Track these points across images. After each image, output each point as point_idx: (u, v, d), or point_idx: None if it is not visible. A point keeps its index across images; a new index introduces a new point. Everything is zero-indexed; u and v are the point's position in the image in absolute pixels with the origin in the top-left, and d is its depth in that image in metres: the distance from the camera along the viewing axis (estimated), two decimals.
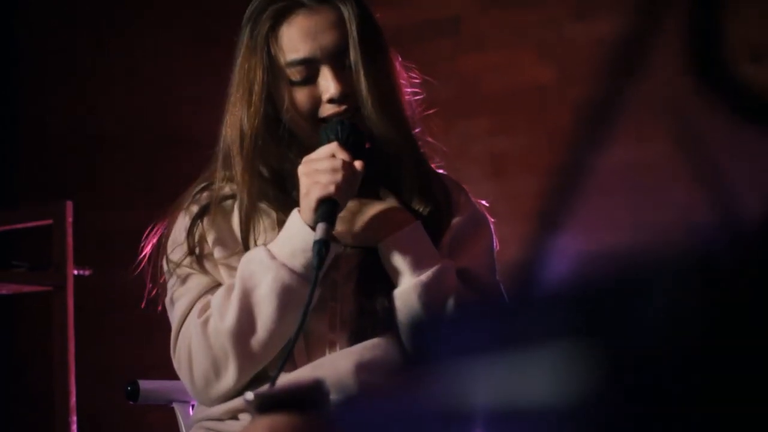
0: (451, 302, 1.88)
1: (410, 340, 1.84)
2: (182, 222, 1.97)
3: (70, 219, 3.07)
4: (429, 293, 1.86)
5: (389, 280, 1.89)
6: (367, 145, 1.91)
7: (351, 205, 1.90)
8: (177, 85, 4.59)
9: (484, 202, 2.09)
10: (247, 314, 1.85)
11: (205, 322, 1.88)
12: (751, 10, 3.81)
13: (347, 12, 1.92)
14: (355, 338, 1.88)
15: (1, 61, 4.85)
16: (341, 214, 1.87)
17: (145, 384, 2.31)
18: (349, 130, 1.87)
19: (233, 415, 1.90)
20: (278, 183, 1.94)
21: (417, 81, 2.04)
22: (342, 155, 1.83)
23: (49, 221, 3.11)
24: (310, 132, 1.92)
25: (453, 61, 4.26)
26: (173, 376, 1.98)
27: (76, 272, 3.09)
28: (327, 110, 1.91)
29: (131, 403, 2.32)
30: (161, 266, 1.98)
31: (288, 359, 1.85)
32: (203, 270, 1.93)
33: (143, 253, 2.01)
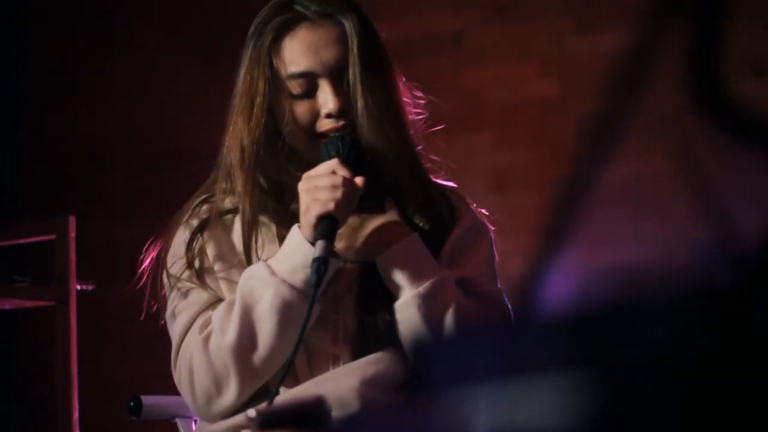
0: (450, 314, 1.88)
1: (411, 352, 1.84)
2: (182, 236, 1.97)
3: (72, 234, 3.07)
4: (428, 305, 1.86)
5: (390, 293, 1.89)
6: (367, 157, 1.91)
7: (351, 219, 1.90)
8: (180, 99, 4.59)
9: (483, 210, 2.09)
10: (248, 330, 1.84)
11: (206, 339, 1.87)
12: (753, 25, 3.81)
13: (350, 28, 1.92)
14: (358, 352, 1.88)
15: (4, 74, 4.85)
16: (341, 230, 1.87)
17: (147, 399, 2.31)
18: (350, 146, 1.87)
19: None
20: (277, 195, 1.94)
21: (422, 101, 2.04)
22: (342, 172, 1.84)
23: (52, 236, 3.11)
24: (309, 146, 1.93)
25: (455, 76, 4.26)
26: (176, 390, 1.98)
27: (78, 287, 3.09)
28: (325, 125, 1.92)
29: (134, 418, 2.31)
30: (161, 280, 1.98)
31: (291, 374, 1.85)
32: (203, 285, 1.93)
33: (143, 267, 2.01)
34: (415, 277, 1.87)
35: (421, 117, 2.03)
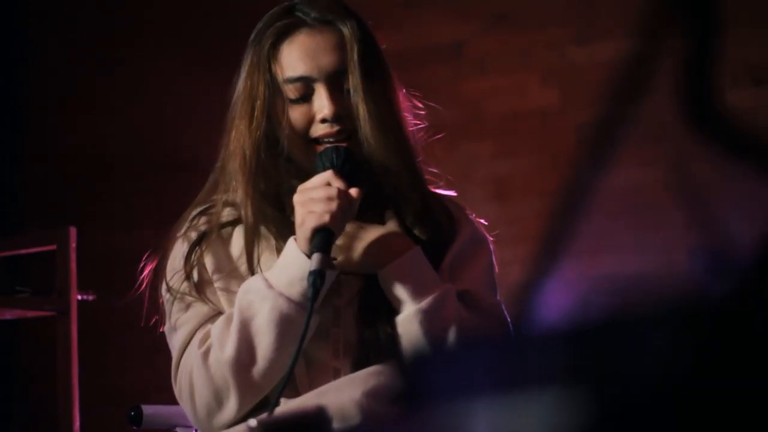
0: (452, 328, 1.88)
1: (412, 366, 1.83)
2: (180, 249, 1.96)
3: (73, 245, 3.07)
4: (430, 320, 1.86)
5: (391, 306, 1.89)
6: (365, 166, 1.91)
7: (351, 230, 1.89)
8: (180, 109, 4.59)
9: (482, 220, 2.09)
10: (246, 344, 1.84)
11: (206, 353, 1.87)
12: (754, 34, 3.81)
13: (349, 35, 1.92)
14: (358, 365, 1.88)
15: (5, 85, 4.86)
16: (341, 240, 1.87)
17: (148, 409, 2.31)
18: (345, 157, 1.87)
19: None
20: (276, 202, 1.94)
21: (422, 113, 2.04)
22: (337, 183, 1.83)
23: (53, 247, 3.12)
24: (305, 152, 1.92)
25: (455, 86, 4.26)
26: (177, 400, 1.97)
27: (79, 297, 3.09)
28: (320, 130, 1.91)
29: (134, 428, 2.31)
30: (161, 292, 1.98)
31: (290, 387, 1.85)
32: (202, 298, 1.92)
33: (142, 279, 2.00)
34: (418, 292, 1.87)
35: (420, 127, 2.03)
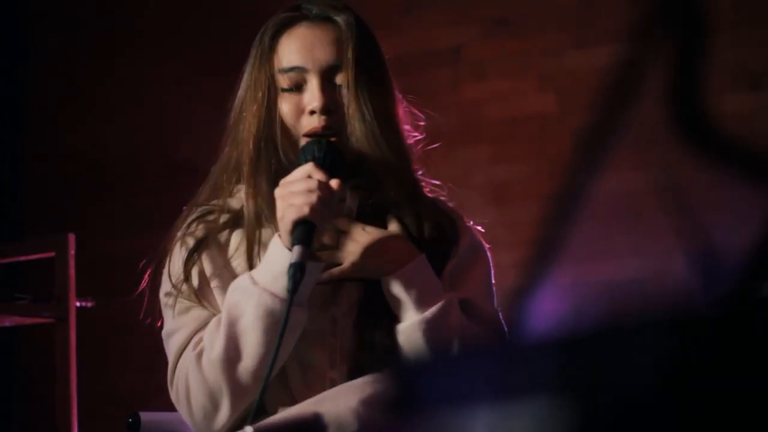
0: (455, 338, 1.87)
1: (412, 374, 1.83)
2: (178, 254, 1.96)
3: (72, 251, 3.08)
4: (433, 330, 1.85)
5: (389, 316, 1.88)
6: (349, 160, 1.90)
7: (354, 233, 1.89)
8: (179, 114, 4.60)
9: (480, 227, 2.09)
10: (233, 342, 1.84)
11: (199, 355, 1.87)
12: (751, 39, 3.82)
13: (347, 32, 1.93)
14: (354, 375, 1.87)
15: (5, 86, 4.86)
16: (345, 244, 1.87)
17: (146, 416, 2.30)
18: (326, 150, 1.86)
19: None
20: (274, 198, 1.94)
21: (422, 123, 2.03)
22: (318, 175, 1.82)
23: (52, 254, 3.12)
24: (296, 147, 1.93)
25: (454, 90, 4.27)
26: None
27: (78, 304, 3.09)
28: (308, 122, 1.91)
29: None
30: (158, 297, 1.98)
31: (286, 394, 1.85)
32: (200, 303, 1.92)
33: (141, 284, 2.00)
34: (422, 301, 1.87)
35: (417, 135, 2.03)
